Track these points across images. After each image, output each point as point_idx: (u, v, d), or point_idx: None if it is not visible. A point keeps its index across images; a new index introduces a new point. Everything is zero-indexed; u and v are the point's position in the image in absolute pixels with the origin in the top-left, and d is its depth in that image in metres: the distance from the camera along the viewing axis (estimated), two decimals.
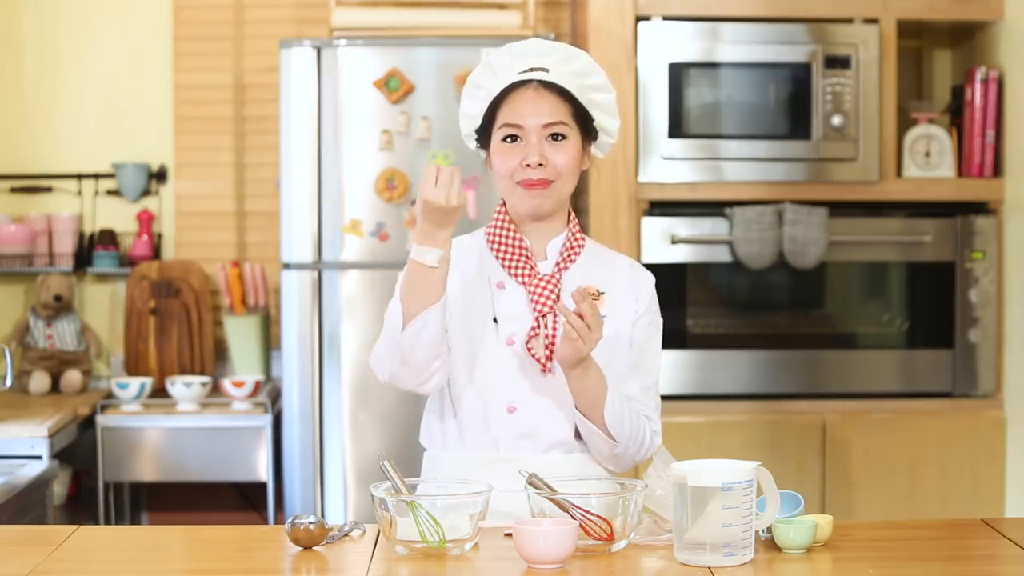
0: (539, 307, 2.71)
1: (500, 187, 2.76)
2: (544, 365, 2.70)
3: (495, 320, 2.73)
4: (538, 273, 2.74)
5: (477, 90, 2.78)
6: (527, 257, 2.75)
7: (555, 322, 2.71)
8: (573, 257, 2.77)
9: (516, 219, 2.77)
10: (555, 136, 2.71)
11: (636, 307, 2.78)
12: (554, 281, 2.72)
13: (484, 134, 2.77)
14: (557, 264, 2.76)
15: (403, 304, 2.65)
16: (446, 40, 4.66)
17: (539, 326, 2.70)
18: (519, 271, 2.75)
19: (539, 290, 2.72)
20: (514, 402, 2.71)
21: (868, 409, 4.67)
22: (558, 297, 2.72)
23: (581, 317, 2.56)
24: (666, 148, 4.64)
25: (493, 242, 2.77)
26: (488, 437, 2.72)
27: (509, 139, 2.71)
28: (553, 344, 2.69)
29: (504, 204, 2.80)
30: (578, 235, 2.79)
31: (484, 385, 2.71)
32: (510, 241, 2.76)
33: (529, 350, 2.70)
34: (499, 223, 2.78)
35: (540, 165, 2.69)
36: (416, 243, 2.62)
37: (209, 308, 5.12)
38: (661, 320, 2.83)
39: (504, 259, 2.76)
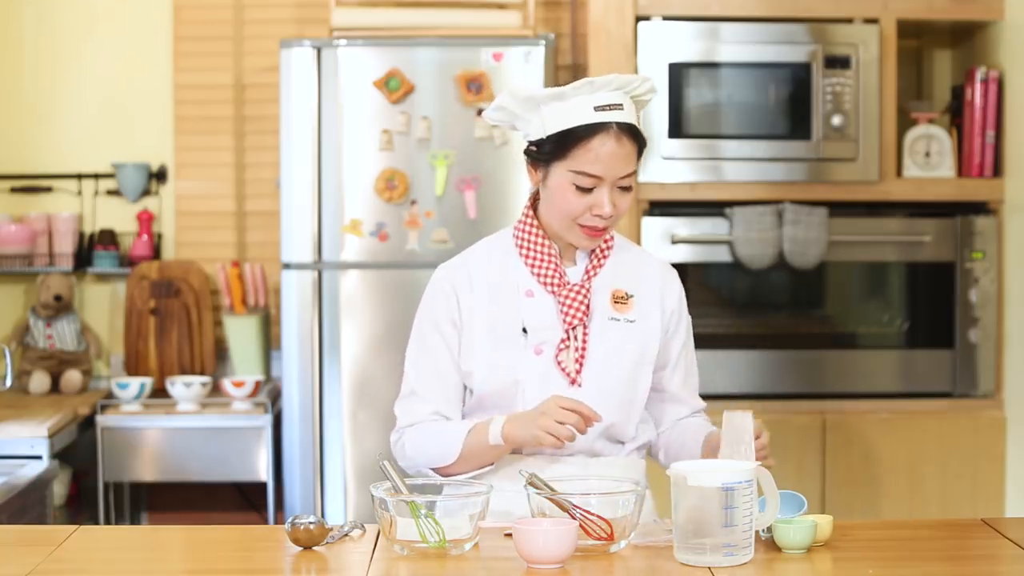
0: (569, 319, 2.70)
1: (553, 218, 2.71)
2: (573, 379, 2.69)
3: (524, 330, 2.72)
4: (567, 283, 2.73)
5: (529, 100, 2.68)
6: (556, 265, 2.73)
7: (584, 334, 2.70)
8: (602, 262, 2.76)
9: (548, 227, 2.74)
10: (625, 187, 2.68)
11: (663, 308, 2.78)
12: (584, 292, 2.71)
13: (545, 154, 2.68)
14: (587, 270, 2.74)
15: (466, 459, 2.66)
16: (446, 40, 4.66)
17: (569, 338, 2.70)
18: (549, 280, 2.73)
19: (569, 302, 2.70)
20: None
21: (868, 409, 4.67)
22: (588, 308, 2.70)
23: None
24: (666, 148, 4.64)
25: (522, 247, 2.75)
26: None
27: (583, 187, 2.65)
28: (583, 357, 2.69)
29: (533, 208, 2.76)
30: (606, 236, 2.78)
31: (511, 394, 2.70)
32: (540, 249, 2.73)
33: (559, 363, 2.70)
34: (528, 228, 2.75)
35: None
36: (505, 428, 2.62)
37: (209, 308, 5.12)
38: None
39: (533, 266, 2.73)
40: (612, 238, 2.79)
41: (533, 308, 2.72)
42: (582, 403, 2.56)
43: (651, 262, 2.84)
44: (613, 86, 2.67)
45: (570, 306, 2.70)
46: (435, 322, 2.75)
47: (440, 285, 2.77)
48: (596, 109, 2.65)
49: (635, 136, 2.67)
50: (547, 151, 2.68)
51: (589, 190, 2.65)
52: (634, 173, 2.68)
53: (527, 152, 2.73)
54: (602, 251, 2.76)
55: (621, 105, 2.66)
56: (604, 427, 2.72)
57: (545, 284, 2.72)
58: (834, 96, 4.64)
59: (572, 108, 2.65)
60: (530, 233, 2.75)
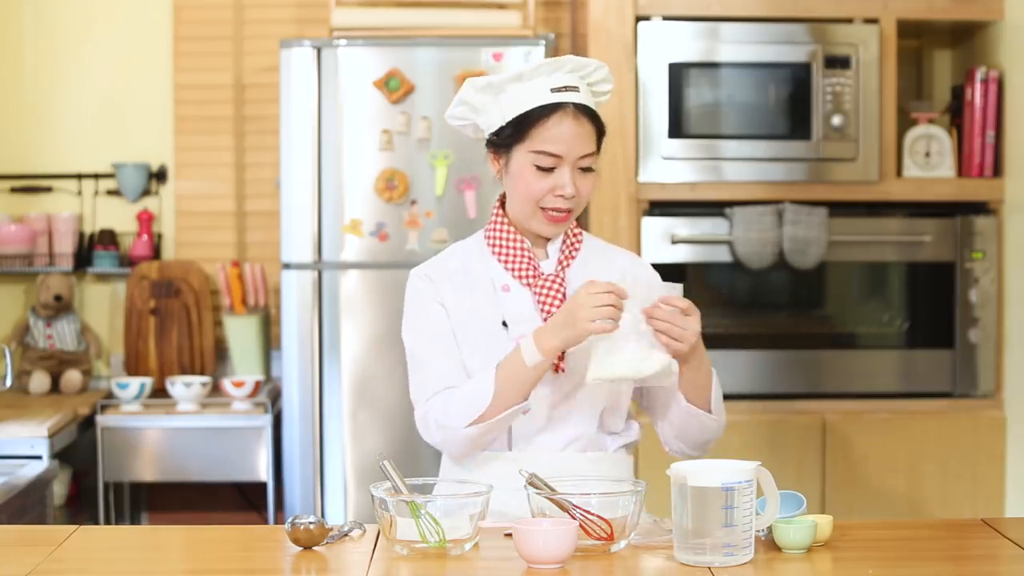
0: (547, 309, 2.71)
1: (517, 205, 2.73)
2: (557, 365, 2.70)
3: (504, 324, 2.72)
4: (542, 274, 2.74)
5: (490, 87, 2.72)
6: (530, 258, 2.75)
7: None
8: (573, 254, 2.78)
9: (517, 221, 2.77)
10: (585, 168, 2.70)
11: None
12: (559, 281, 2.73)
13: (504, 141, 2.72)
14: (559, 262, 2.76)
15: (498, 394, 2.62)
16: (446, 40, 4.66)
17: None
18: (523, 273, 2.74)
19: (545, 291, 2.72)
20: (528, 403, 2.70)
21: (868, 409, 4.67)
22: (564, 296, 2.71)
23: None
24: (666, 148, 4.64)
25: (494, 245, 2.77)
26: (502, 438, 2.72)
27: (543, 166, 2.68)
28: None
29: (502, 205, 2.79)
30: (575, 231, 2.80)
31: None
32: (512, 244, 2.75)
33: None
34: (499, 225, 2.77)
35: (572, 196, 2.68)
36: (540, 344, 2.59)
37: (209, 308, 5.12)
38: None
39: (507, 262, 2.75)
40: (580, 233, 2.81)
41: (511, 302, 2.73)
42: (609, 283, 2.55)
43: (621, 254, 2.85)
44: (568, 68, 2.71)
45: (547, 296, 2.71)
46: (428, 304, 2.75)
47: (423, 281, 2.78)
48: (553, 91, 2.68)
49: (593, 118, 2.70)
50: (507, 135, 2.71)
51: (550, 170, 2.68)
52: (595, 155, 2.70)
53: (489, 142, 2.76)
54: (572, 244, 2.78)
55: (577, 88, 2.70)
56: (599, 414, 2.72)
57: (520, 278, 2.74)
58: (834, 96, 4.64)
59: (530, 90, 2.69)
60: (501, 230, 2.76)
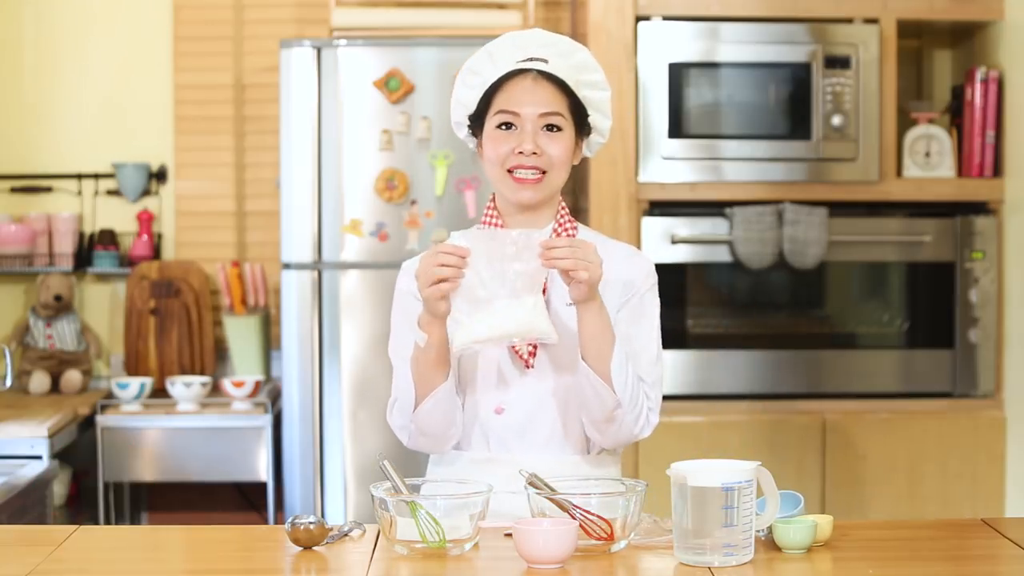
0: None
1: (490, 175, 2.71)
2: (527, 361, 2.68)
3: None
4: None
5: (473, 77, 2.74)
6: None
7: None
8: None
9: (504, 211, 2.74)
10: (550, 127, 2.67)
11: (624, 291, 2.72)
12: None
13: (477, 122, 2.73)
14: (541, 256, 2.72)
15: (415, 383, 2.67)
16: (446, 40, 4.66)
17: None
18: None
19: None
20: (501, 403, 2.69)
21: (868, 409, 4.67)
22: (543, 290, 2.67)
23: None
24: (666, 148, 4.64)
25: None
26: (480, 437, 2.72)
27: (504, 126, 2.67)
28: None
29: (494, 199, 2.76)
30: (566, 225, 2.74)
31: (472, 387, 2.70)
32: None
33: (513, 347, 2.68)
34: (489, 217, 2.74)
35: (534, 154, 2.65)
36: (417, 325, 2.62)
37: (209, 308, 5.12)
38: (656, 302, 2.74)
39: None
40: (576, 227, 2.76)
41: None
42: (441, 244, 2.54)
43: (619, 249, 2.78)
44: (536, 43, 2.71)
45: None
46: (405, 305, 2.75)
47: (405, 277, 2.78)
48: (519, 62, 2.70)
49: (560, 85, 2.68)
50: (478, 111, 2.72)
51: (510, 128, 2.67)
52: (561, 116, 2.66)
53: (469, 128, 2.76)
54: (561, 236, 2.72)
55: (546, 60, 2.69)
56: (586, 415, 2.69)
57: None
58: (834, 96, 4.64)
59: (500, 68, 2.70)
60: (490, 222, 2.74)
